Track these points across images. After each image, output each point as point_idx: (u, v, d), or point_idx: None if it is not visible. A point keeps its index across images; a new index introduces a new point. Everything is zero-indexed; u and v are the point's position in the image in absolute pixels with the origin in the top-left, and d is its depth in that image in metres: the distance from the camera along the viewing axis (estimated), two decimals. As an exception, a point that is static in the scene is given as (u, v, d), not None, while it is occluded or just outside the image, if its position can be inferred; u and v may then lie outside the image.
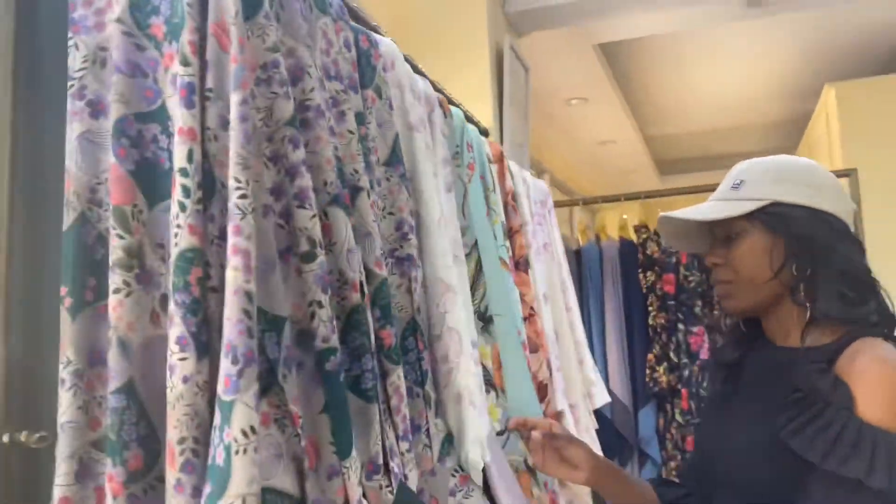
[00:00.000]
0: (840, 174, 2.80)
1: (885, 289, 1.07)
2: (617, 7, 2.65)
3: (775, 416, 0.95)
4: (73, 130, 0.65)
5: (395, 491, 0.67)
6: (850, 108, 3.55)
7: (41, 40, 0.67)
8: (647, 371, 2.68)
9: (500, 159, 1.51)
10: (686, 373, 2.62)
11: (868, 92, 3.50)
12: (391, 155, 0.87)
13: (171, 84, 0.64)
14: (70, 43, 0.66)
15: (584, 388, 1.89)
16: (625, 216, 2.98)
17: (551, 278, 1.86)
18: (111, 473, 0.60)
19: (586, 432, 1.82)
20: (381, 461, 0.66)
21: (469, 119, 1.37)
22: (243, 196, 0.57)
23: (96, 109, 0.65)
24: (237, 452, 0.52)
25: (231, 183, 0.57)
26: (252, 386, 0.54)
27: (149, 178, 0.64)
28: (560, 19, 2.58)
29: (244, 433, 0.53)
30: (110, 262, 0.62)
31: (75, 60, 0.66)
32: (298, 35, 0.69)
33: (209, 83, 0.61)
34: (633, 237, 2.84)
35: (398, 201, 0.85)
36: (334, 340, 0.62)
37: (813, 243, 1.01)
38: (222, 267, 0.59)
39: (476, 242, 0.97)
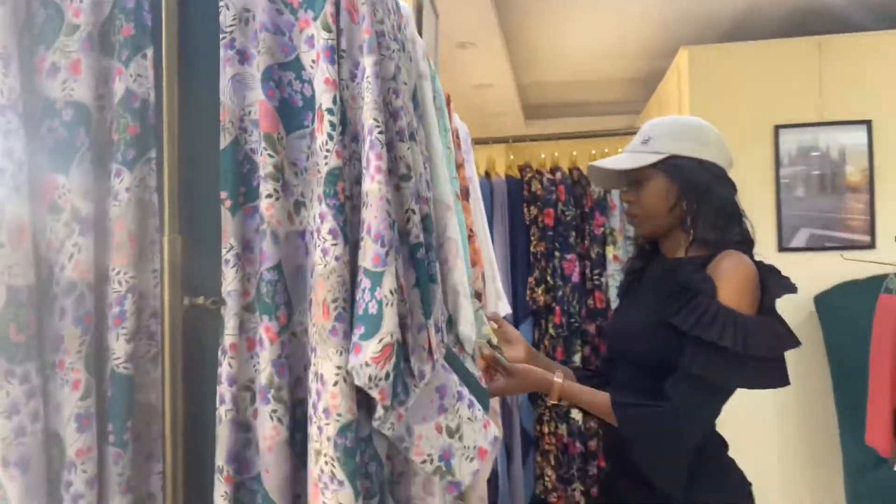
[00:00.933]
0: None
1: (748, 218, 1.51)
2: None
3: (663, 304, 1.34)
4: (226, 73, 0.85)
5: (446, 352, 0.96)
6: (700, 70, 4.09)
7: (197, 3, 0.86)
8: (528, 292, 3.10)
9: (448, 101, 1.78)
10: (560, 293, 3.07)
11: (717, 56, 4.03)
12: (413, 101, 1.12)
13: (306, 42, 0.86)
14: (221, 4, 0.85)
15: (495, 299, 2.25)
16: (511, 157, 3.34)
17: (474, 207, 2.17)
18: (267, 326, 0.83)
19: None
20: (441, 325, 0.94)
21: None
22: (381, 132, 0.81)
23: (242, 57, 0.85)
24: (387, 305, 0.78)
25: (371, 123, 0.81)
26: (393, 261, 0.80)
27: (287, 113, 0.86)
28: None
29: (391, 292, 0.79)
30: (262, 175, 0.84)
31: (226, 18, 0.85)
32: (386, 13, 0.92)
33: (343, 45, 0.83)
34: (518, 175, 3.22)
35: (420, 142, 1.11)
36: (422, 237, 0.88)
37: (698, 187, 1.42)
38: (356, 182, 0.84)
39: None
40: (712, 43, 4.32)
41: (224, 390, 0.83)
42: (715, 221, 1.41)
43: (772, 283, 1.38)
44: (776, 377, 1.32)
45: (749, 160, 3.81)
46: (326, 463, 0.79)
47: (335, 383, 0.79)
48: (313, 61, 0.85)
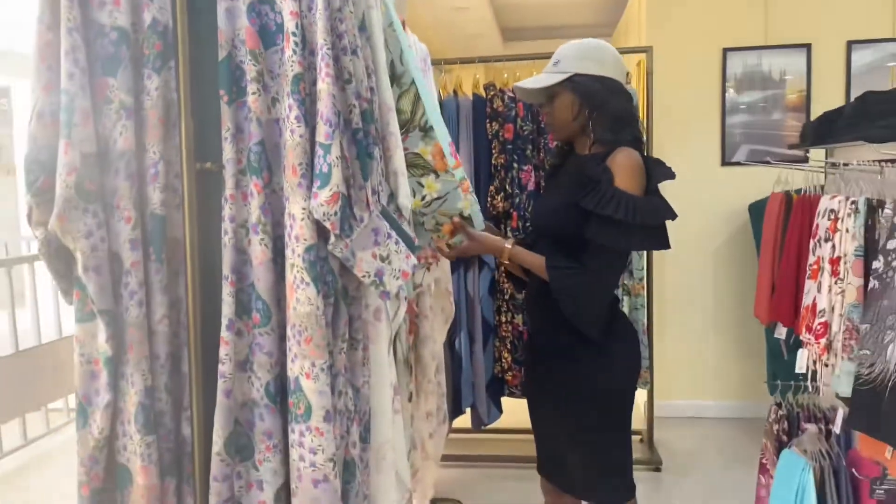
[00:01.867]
0: (642, 49, 3.65)
1: (641, 122, 1.93)
2: None
3: (574, 190, 1.74)
4: (221, 6, 1.22)
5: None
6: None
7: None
8: (489, 199, 3.49)
9: (403, 24, 2.13)
10: (517, 200, 3.47)
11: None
12: (361, 24, 1.49)
13: (277, -16, 1.23)
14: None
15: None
16: (477, 76, 3.67)
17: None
18: (255, 183, 1.23)
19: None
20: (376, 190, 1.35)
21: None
22: (329, 48, 1.19)
23: (233, -6, 1.23)
24: (335, 167, 1.18)
25: (321, 42, 1.18)
26: (339, 138, 1.19)
27: (264, 35, 1.23)
28: None
29: (337, 158, 1.19)
30: (248, 79, 1.22)
31: (220, -34, 1.22)
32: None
33: (302, -13, 1.21)
34: (483, 94, 3.56)
35: (366, 57, 1.48)
36: (361, 125, 1.27)
37: (595, 98, 1.81)
38: (313, 83, 1.22)
39: (413, 80, 1.61)
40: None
41: (226, 226, 1.24)
42: (611, 126, 1.82)
43: (656, 171, 1.80)
44: (659, 241, 1.76)
45: (699, 81, 4.17)
46: (297, 271, 1.21)
47: (302, 219, 1.20)
48: (282, -2, 1.22)
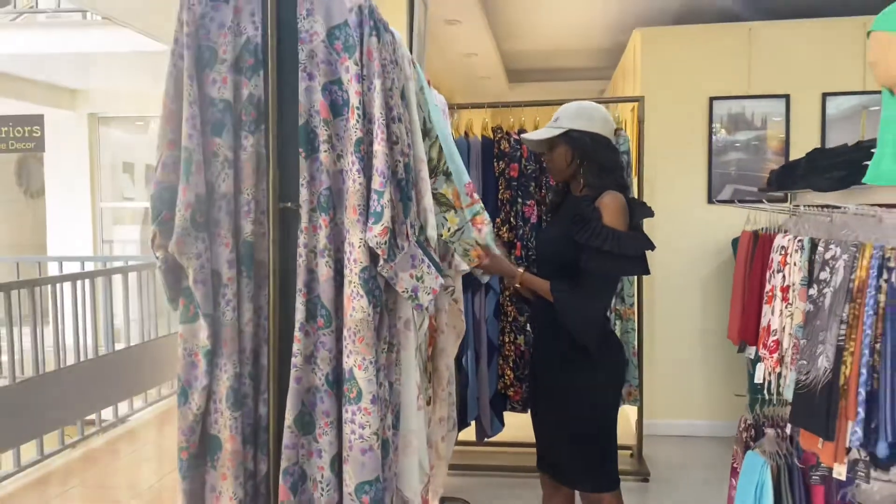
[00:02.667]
0: (634, 99, 4.06)
1: (626, 170, 2.35)
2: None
3: (569, 224, 2.13)
4: (302, 86, 1.61)
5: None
6: (650, 48, 4.81)
7: (287, 48, 1.61)
8: (496, 230, 3.88)
9: (429, 82, 2.53)
10: (521, 232, 3.85)
11: (665, 37, 4.74)
12: (402, 94, 1.88)
13: (345, 70, 1.61)
14: (300, 48, 1.61)
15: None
16: (486, 119, 4.08)
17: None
18: (324, 218, 1.61)
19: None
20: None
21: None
22: (383, 120, 1.58)
23: (311, 77, 1.62)
24: (385, 208, 1.56)
25: (377, 114, 1.57)
26: (388, 186, 1.57)
27: (334, 107, 1.62)
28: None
29: (388, 201, 1.57)
30: (320, 139, 1.61)
31: (302, 56, 1.61)
32: (386, 47, 1.67)
33: (363, 72, 1.59)
34: (491, 136, 3.96)
35: (406, 120, 1.88)
36: (403, 175, 1.65)
37: (586, 150, 2.21)
38: (370, 145, 1.60)
39: (437, 134, 2.00)
40: (664, 25, 5.03)
41: (301, 251, 1.61)
42: (598, 173, 2.22)
43: (638, 211, 2.19)
44: (641, 268, 2.15)
45: (688, 126, 4.59)
46: (354, 287, 1.58)
47: (359, 246, 1.58)
48: (349, 80, 1.61)
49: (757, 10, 4.69)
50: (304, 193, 1.62)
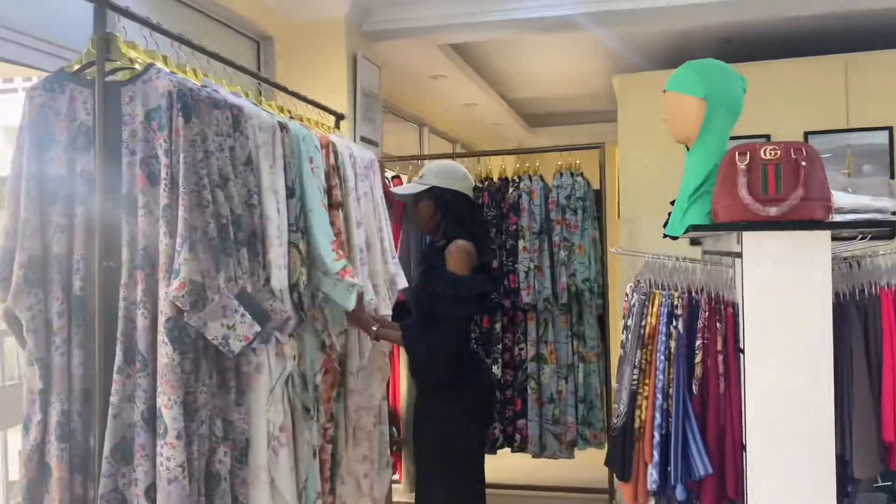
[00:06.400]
0: (595, 146, 4.16)
1: (478, 222, 2.51)
2: (442, 27, 3.88)
3: (423, 273, 2.30)
4: (125, 161, 1.87)
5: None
6: (628, 93, 4.91)
7: (111, 125, 1.89)
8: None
9: (325, 145, 2.76)
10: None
11: (642, 83, 4.82)
12: (248, 160, 2.11)
13: (159, 146, 1.87)
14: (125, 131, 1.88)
15: (386, 276, 3.21)
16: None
17: (368, 212, 3.14)
18: (141, 275, 1.85)
19: (384, 303, 3.16)
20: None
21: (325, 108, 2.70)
22: (185, 188, 1.81)
23: (132, 150, 1.88)
24: (183, 265, 1.79)
25: (181, 182, 1.81)
26: (186, 246, 1.80)
27: (151, 178, 1.87)
28: (400, 34, 3.80)
29: (185, 259, 1.79)
30: (139, 206, 1.86)
31: (125, 133, 1.88)
32: (209, 123, 1.91)
33: (172, 147, 1.84)
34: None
35: (248, 183, 2.10)
36: (217, 234, 1.88)
37: (446, 205, 2.38)
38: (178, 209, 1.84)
39: (301, 195, 2.24)
40: (647, 70, 5.11)
41: (121, 303, 1.85)
42: (455, 224, 2.38)
43: (485, 255, 2.34)
44: (482, 308, 2.30)
45: (664, 168, 4.60)
46: (161, 335, 1.80)
47: (163, 299, 1.81)
48: (162, 154, 1.86)
49: (735, 54, 4.70)
50: (125, 253, 1.87)
